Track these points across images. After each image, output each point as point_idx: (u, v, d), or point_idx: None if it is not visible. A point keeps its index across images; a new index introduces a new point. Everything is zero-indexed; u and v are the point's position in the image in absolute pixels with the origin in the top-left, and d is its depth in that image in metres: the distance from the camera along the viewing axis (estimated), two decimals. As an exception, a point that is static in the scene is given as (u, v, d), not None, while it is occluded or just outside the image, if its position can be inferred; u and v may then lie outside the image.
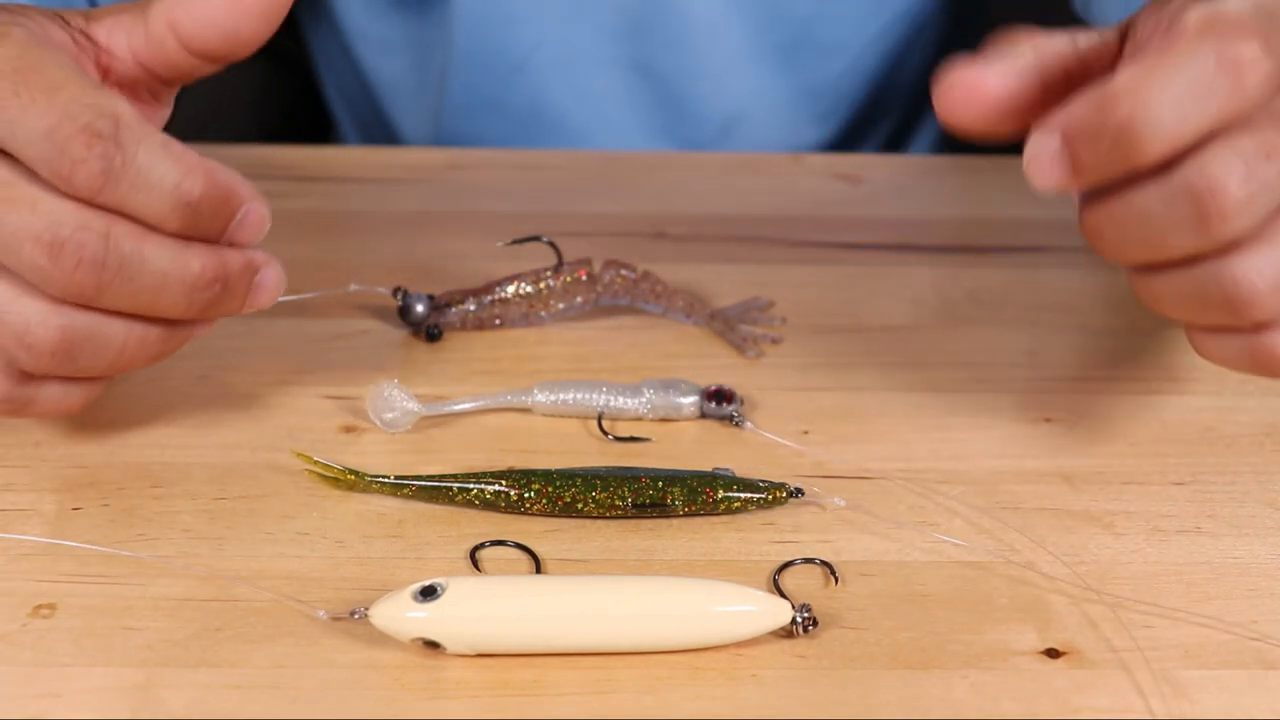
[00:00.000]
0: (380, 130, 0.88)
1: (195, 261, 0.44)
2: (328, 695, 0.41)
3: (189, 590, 0.45)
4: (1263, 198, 0.41)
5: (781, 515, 0.49)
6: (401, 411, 0.52)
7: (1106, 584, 0.46)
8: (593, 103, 0.81)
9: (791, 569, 0.46)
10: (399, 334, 0.58)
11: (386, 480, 0.48)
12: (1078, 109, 0.42)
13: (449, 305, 0.58)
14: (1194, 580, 0.47)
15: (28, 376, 0.46)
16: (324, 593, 0.45)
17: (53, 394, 0.47)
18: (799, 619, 0.43)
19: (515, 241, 0.59)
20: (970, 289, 0.63)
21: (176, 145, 0.43)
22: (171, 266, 0.44)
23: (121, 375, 0.48)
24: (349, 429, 0.52)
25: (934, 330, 0.60)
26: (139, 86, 0.48)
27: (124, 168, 0.42)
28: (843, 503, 0.49)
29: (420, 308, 0.57)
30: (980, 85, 0.43)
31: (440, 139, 0.83)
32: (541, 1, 0.78)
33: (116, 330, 0.45)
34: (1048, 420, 0.54)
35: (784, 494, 0.49)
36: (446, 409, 0.53)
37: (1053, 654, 0.43)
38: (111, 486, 0.49)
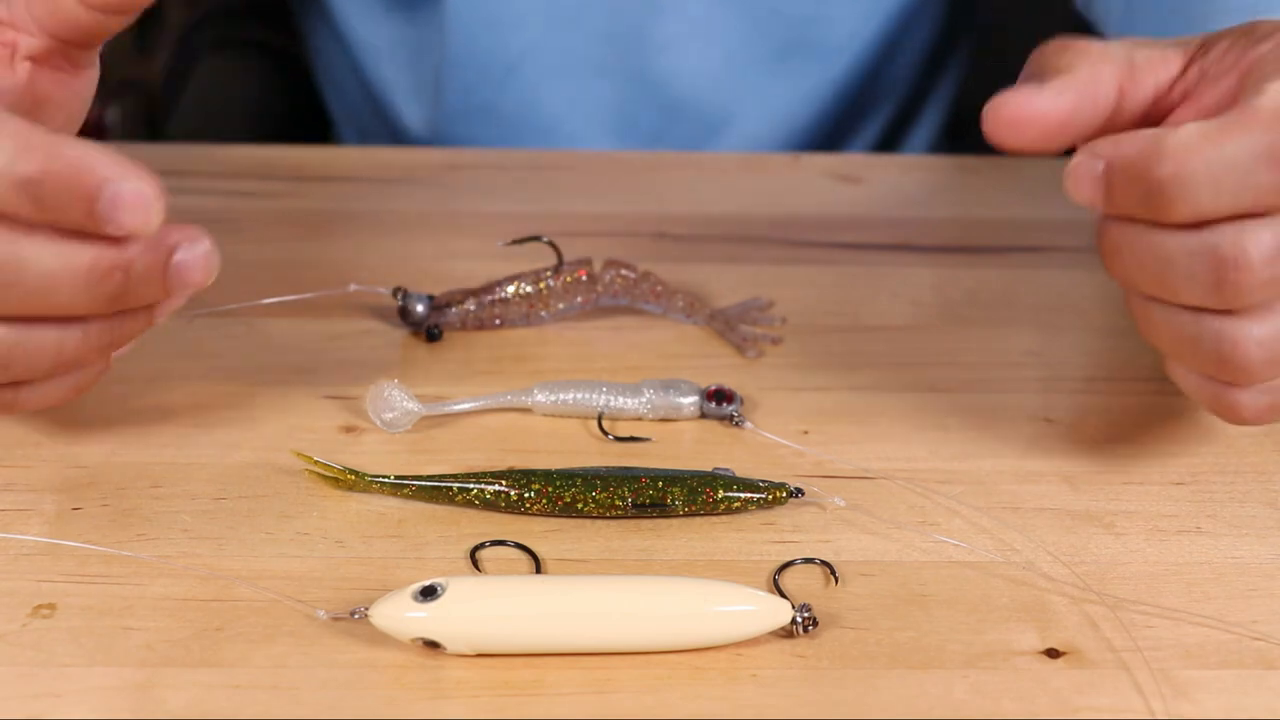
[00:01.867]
0: (379, 134, 0.88)
1: (84, 254, 0.41)
2: (328, 695, 0.41)
3: (189, 590, 0.45)
4: None
5: (781, 515, 0.49)
6: (401, 411, 0.52)
7: (1106, 584, 0.46)
8: (585, 107, 0.81)
9: (791, 569, 0.46)
10: (399, 334, 0.58)
11: (386, 480, 0.48)
12: (1127, 146, 0.42)
13: (449, 305, 0.58)
14: (1194, 580, 0.47)
15: None
16: (324, 593, 0.45)
17: (32, 394, 0.45)
18: (799, 619, 0.43)
19: (515, 241, 0.59)
20: (970, 289, 0.63)
21: (15, 124, 0.40)
22: (56, 262, 0.41)
23: (120, 357, 0.47)
24: (349, 429, 0.52)
25: (934, 330, 0.60)
26: (53, 56, 0.47)
27: None
28: (843, 503, 0.49)
29: (420, 308, 0.57)
30: (1031, 110, 0.43)
31: (437, 142, 0.83)
32: (533, 6, 0.78)
33: (41, 336, 0.43)
34: (1048, 420, 0.54)
35: (784, 494, 0.49)
36: (446, 409, 0.53)
37: (1053, 654, 0.43)
38: (111, 486, 0.49)
